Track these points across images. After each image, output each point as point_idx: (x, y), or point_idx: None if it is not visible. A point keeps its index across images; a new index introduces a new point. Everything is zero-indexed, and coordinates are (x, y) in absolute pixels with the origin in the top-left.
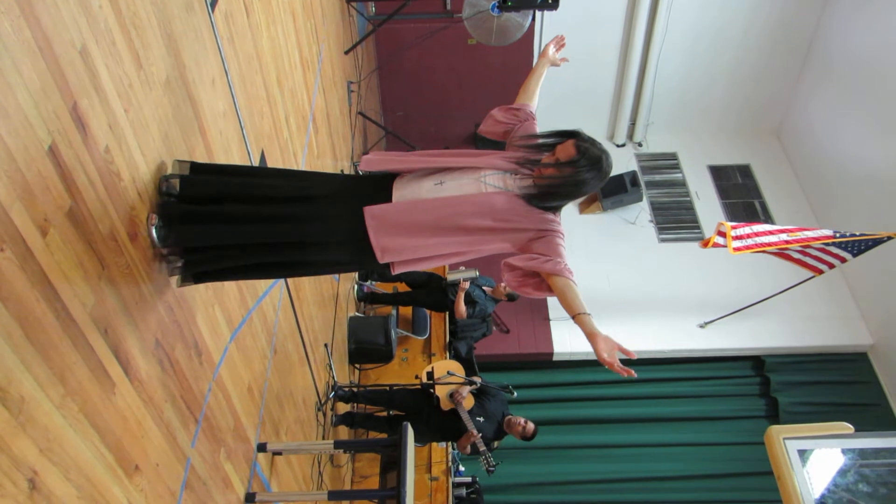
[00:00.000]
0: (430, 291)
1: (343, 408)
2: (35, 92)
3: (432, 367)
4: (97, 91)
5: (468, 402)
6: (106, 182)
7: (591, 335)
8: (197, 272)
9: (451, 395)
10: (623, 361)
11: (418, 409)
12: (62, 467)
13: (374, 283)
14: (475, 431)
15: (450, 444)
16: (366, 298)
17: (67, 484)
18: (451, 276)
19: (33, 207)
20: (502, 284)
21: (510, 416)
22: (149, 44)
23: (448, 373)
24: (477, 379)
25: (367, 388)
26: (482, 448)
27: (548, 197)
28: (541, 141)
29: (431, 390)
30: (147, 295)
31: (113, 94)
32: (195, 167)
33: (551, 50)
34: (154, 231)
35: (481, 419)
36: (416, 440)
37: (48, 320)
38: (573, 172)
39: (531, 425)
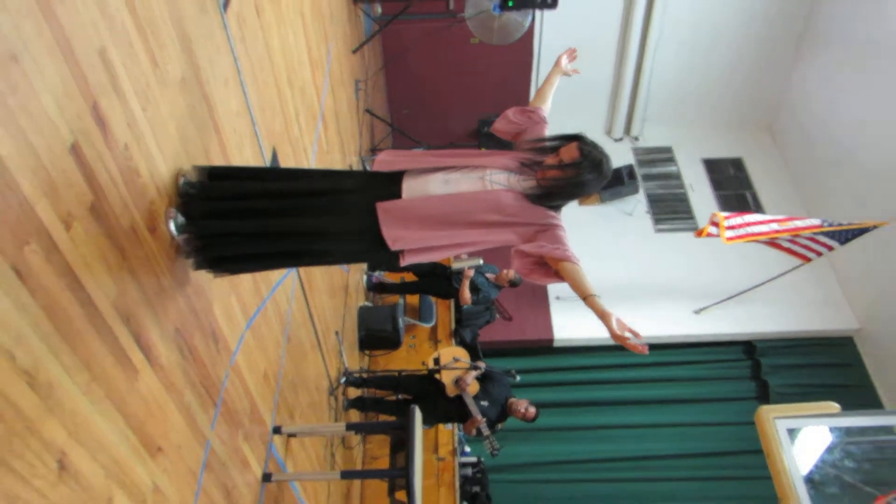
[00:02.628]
0: (436, 280)
1: (354, 392)
2: (57, 93)
3: (439, 354)
4: (116, 91)
5: (473, 388)
6: (126, 178)
7: (604, 315)
8: (214, 257)
9: (457, 382)
10: None
11: (425, 393)
12: (89, 448)
13: (382, 273)
14: (479, 417)
15: (456, 426)
16: (374, 288)
17: (94, 464)
18: (455, 265)
19: (57, 203)
20: (505, 271)
21: (513, 400)
22: (164, 44)
23: (454, 359)
24: (481, 364)
25: (376, 374)
26: (486, 433)
27: (551, 196)
28: (546, 143)
29: (437, 376)
30: (166, 285)
31: (131, 93)
32: (213, 174)
33: (564, 61)
34: (172, 224)
35: (485, 403)
36: (424, 423)
37: (73, 310)
38: (576, 174)
39: (532, 409)
